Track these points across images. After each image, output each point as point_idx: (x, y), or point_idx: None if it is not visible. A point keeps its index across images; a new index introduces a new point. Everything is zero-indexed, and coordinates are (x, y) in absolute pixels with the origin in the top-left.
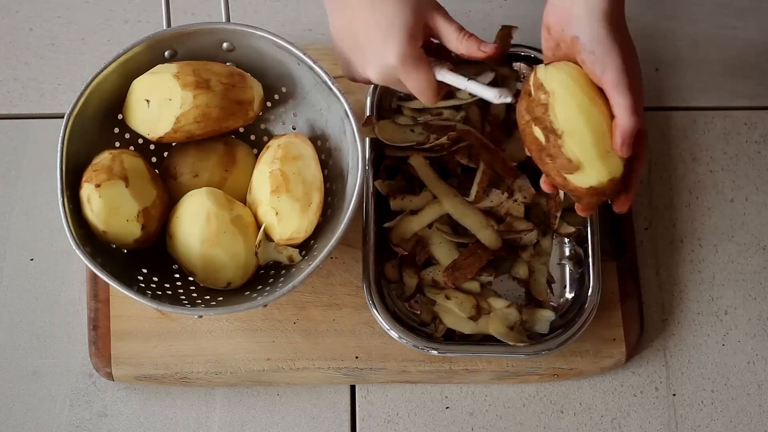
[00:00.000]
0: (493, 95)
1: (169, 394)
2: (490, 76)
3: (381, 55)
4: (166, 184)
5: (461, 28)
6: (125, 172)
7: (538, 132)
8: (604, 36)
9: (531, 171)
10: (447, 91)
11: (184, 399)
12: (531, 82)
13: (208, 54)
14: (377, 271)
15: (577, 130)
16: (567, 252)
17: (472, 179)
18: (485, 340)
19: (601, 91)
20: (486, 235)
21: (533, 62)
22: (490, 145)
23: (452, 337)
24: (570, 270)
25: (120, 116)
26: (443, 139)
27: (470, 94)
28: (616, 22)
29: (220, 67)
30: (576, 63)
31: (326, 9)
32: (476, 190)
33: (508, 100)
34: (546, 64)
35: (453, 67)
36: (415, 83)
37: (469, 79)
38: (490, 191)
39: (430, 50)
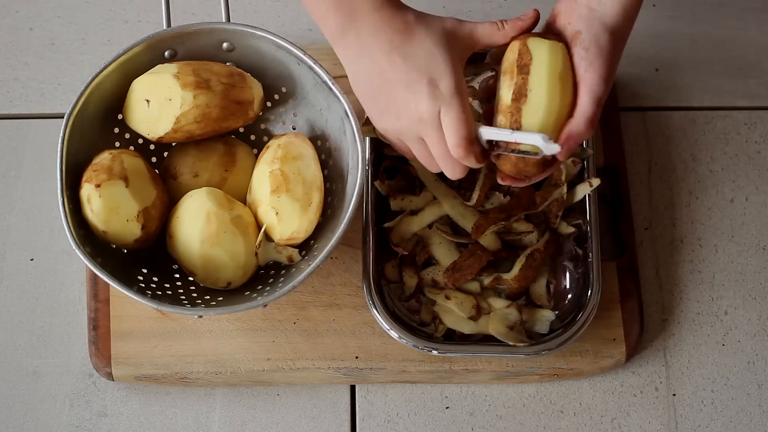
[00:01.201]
0: (541, 143)
1: (169, 394)
2: (488, 76)
3: (429, 90)
4: (166, 184)
5: (493, 22)
6: (125, 172)
7: (506, 88)
8: (604, 42)
9: None
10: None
11: (184, 399)
12: (518, 49)
13: (208, 54)
14: (377, 271)
15: (540, 104)
16: (567, 252)
17: (472, 180)
18: (485, 340)
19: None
20: (485, 236)
21: None
22: None
23: (452, 337)
24: (570, 270)
25: (120, 116)
26: None
27: (516, 147)
28: (618, 38)
29: (220, 67)
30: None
31: (344, 63)
32: (477, 195)
33: (557, 147)
34: (543, 38)
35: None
36: (456, 115)
37: (513, 131)
38: (491, 194)
39: None
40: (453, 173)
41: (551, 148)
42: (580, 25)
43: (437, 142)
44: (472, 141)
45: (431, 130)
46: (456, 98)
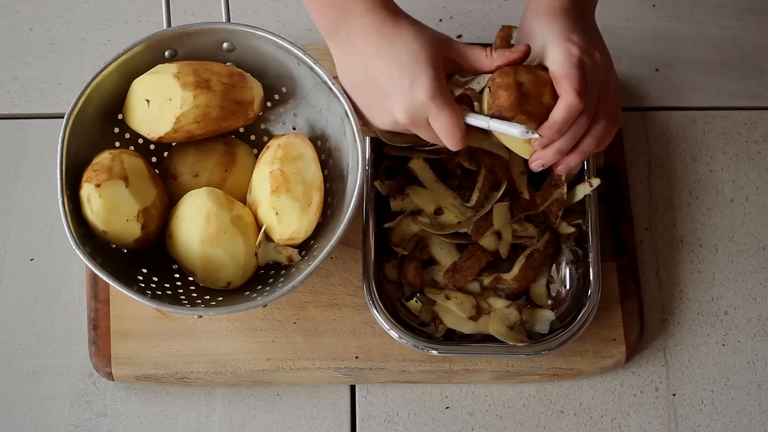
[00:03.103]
0: (518, 132)
1: (169, 394)
2: (485, 79)
3: (409, 93)
4: (166, 184)
5: (483, 47)
6: (125, 172)
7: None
8: (553, 35)
9: (531, 174)
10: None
11: (184, 399)
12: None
13: (208, 54)
14: (377, 271)
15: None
16: (567, 252)
17: (471, 180)
18: (485, 340)
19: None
20: (485, 237)
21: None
22: (491, 150)
23: (452, 337)
24: (570, 270)
25: (120, 116)
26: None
27: (493, 132)
28: (572, 19)
29: (220, 67)
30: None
31: (334, 58)
32: (477, 196)
33: (535, 135)
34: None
35: (472, 110)
36: (444, 121)
37: (492, 117)
38: (491, 195)
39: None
40: (454, 145)
41: (530, 136)
42: (532, 38)
43: (427, 135)
44: (466, 137)
45: (419, 129)
46: (438, 103)
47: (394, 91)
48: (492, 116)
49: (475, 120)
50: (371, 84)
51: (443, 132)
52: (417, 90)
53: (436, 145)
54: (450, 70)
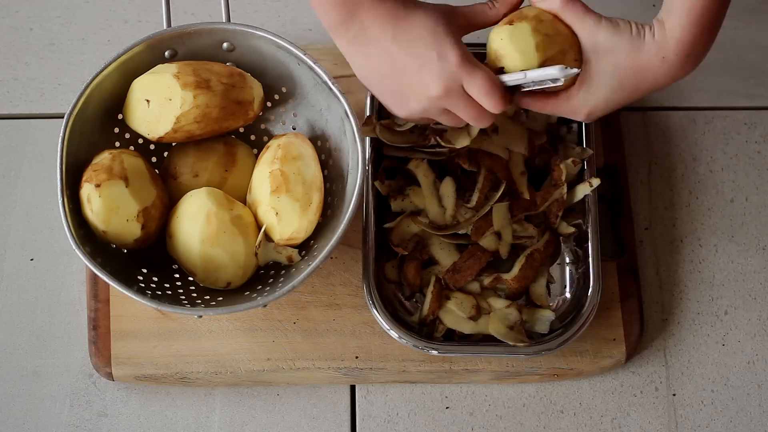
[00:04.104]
0: (558, 72)
1: (169, 394)
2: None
3: (438, 64)
4: (166, 184)
5: (484, 3)
6: (125, 172)
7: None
8: None
9: (531, 174)
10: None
11: (184, 399)
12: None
13: (208, 54)
14: (377, 271)
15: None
16: (567, 252)
17: (472, 181)
18: (485, 340)
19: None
20: (485, 237)
21: None
22: (491, 150)
23: (452, 337)
24: (570, 270)
25: (120, 116)
26: (445, 148)
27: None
28: None
29: (220, 67)
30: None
31: (347, 55)
32: (477, 197)
33: (574, 71)
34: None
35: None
36: (481, 81)
37: (526, 72)
38: (491, 195)
39: None
40: (485, 125)
41: (570, 73)
42: None
43: (464, 108)
44: (505, 97)
45: (455, 100)
46: (469, 66)
47: (423, 67)
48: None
49: (510, 77)
50: (396, 68)
51: (482, 94)
52: (446, 59)
53: (435, 147)
54: (465, 33)
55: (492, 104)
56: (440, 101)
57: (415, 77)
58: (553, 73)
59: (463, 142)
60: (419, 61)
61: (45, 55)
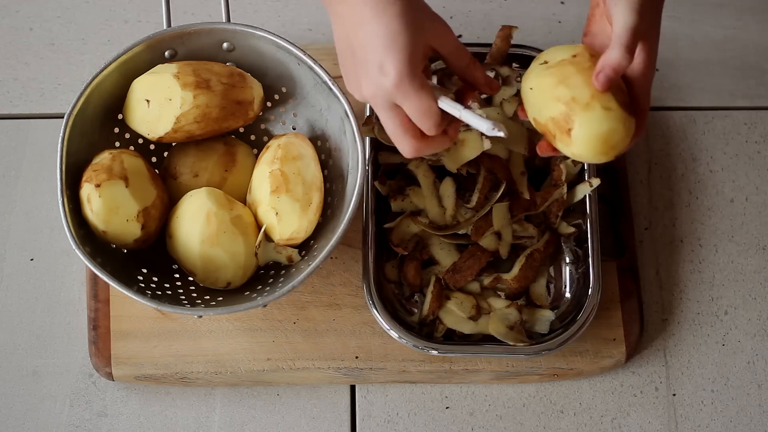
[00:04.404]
0: (486, 127)
1: (169, 394)
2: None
3: (377, 75)
4: (166, 184)
5: (471, 55)
6: (125, 172)
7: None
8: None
9: (531, 174)
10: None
11: (184, 399)
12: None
13: (208, 54)
14: (377, 271)
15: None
16: (567, 252)
17: (471, 181)
18: (485, 340)
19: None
20: (485, 237)
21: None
22: (491, 151)
23: (452, 337)
24: (570, 270)
25: (120, 116)
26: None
27: (464, 124)
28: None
29: (220, 67)
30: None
31: (330, 18)
32: (477, 197)
33: (501, 134)
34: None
35: (453, 96)
36: (414, 108)
37: (465, 107)
38: (491, 195)
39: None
40: (404, 151)
41: (496, 134)
42: None
43: (387, 120)
44: (438, 122)
45: (381, 111)
46: (404, 89)
47: (363, 67)
48: (464, 107)
49: (447, 106)
50: (350, 53)
51: (413, 117)
52: (387, 70)
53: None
54: (432, 55)
55: (425, 128)
56: (372, 100)
57: (360, 69)
58: (482, 127)
59: (468, 156)
60: (364, 60)
61: (45, 55)
